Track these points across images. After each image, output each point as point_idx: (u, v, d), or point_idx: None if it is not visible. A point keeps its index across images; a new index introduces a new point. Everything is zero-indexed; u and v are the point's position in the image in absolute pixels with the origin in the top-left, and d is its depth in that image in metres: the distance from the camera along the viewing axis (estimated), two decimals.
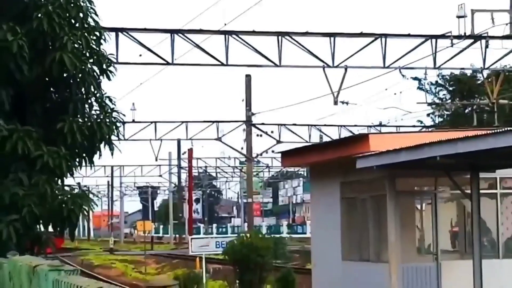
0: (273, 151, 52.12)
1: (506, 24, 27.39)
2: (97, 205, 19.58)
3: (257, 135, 47.86)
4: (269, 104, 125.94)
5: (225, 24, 28.90)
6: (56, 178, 14.21)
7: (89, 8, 14.94)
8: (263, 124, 47.65)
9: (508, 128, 18.13)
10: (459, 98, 52.89)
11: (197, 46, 27.13)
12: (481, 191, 18.64)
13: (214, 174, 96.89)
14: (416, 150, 17.11)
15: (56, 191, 13.99)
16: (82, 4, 14.76)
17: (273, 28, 34.26)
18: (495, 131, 16.90)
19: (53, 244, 18.52)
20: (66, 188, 14.90)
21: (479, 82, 48.69)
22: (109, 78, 15.38)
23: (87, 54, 14.91)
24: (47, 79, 14.40)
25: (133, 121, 45.22)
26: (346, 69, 28.95)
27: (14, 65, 13.44)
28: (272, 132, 48.87)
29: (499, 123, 37.34)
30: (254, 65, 29.86)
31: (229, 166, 73.77)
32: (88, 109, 15.01)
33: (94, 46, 15.15)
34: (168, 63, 28.00)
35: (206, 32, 27.83)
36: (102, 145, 15.16)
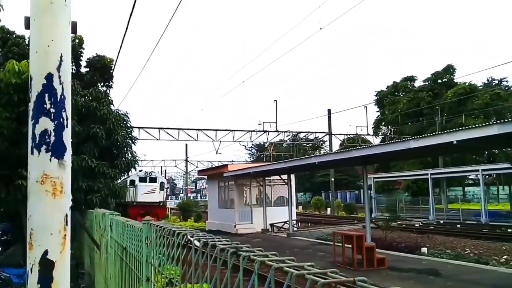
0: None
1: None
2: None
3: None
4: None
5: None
6: (114, 180, 15.73)
7: (128, 119, 17.17)
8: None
9: (263, 164, 25.01)
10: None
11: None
12: (267, 184, 25.50)
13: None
14: (244, 170, 24.41)
15: (114, 185, 15.46)
16: (126, 118, 16.99)
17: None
18: (271, 163, 24.47)
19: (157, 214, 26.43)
20: (118, 183, 16.25)
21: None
22: (134, 144, 17.24)
23: (127, 136, 16.78)
24: (112, 144, 15.92)
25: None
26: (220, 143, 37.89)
27: (99, 139, 14.94)
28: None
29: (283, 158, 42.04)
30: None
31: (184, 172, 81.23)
32: (126, 156, 16.45)
33: (129, 133, 17.25)
34: (157, 139, 35.32)
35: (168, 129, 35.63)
36: (133, 169, 17.16)
